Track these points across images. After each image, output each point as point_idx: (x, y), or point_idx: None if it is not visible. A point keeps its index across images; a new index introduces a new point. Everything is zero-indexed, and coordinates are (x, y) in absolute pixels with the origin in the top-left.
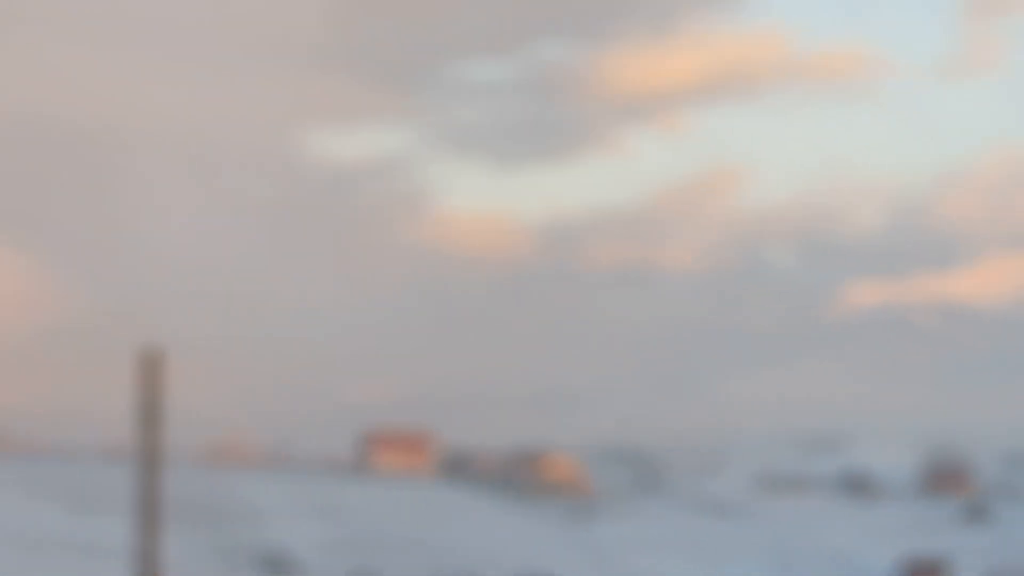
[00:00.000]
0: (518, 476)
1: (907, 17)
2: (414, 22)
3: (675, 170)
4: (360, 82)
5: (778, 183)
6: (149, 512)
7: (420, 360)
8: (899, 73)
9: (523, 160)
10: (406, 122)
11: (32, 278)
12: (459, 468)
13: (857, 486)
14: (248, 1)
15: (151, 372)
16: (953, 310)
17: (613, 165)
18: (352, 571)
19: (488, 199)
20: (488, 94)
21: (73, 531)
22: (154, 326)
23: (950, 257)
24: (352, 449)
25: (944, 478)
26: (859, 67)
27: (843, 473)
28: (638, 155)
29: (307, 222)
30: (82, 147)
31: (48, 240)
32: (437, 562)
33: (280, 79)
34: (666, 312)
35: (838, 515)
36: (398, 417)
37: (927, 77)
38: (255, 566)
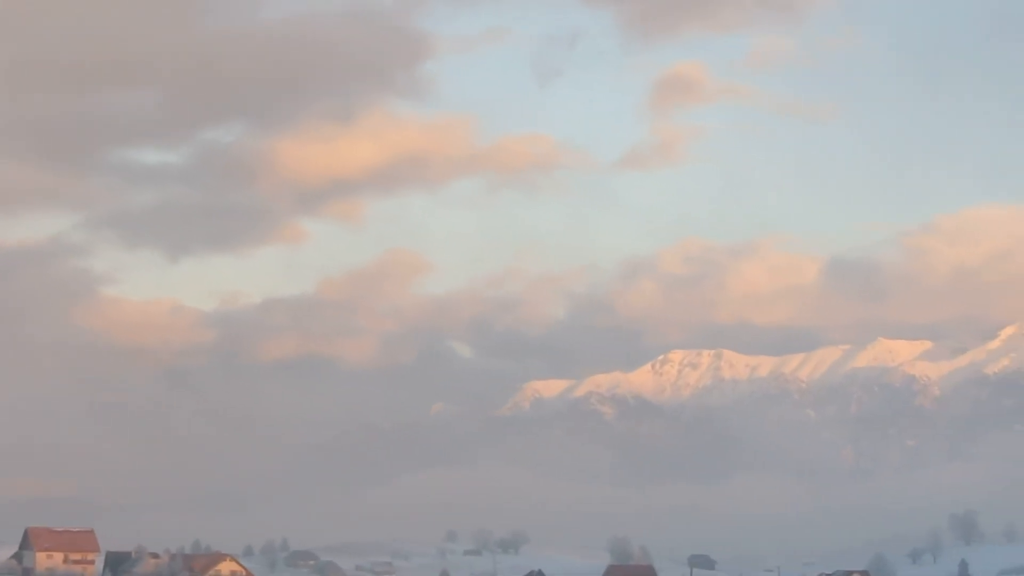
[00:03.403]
0: None
1: (595, 110)
2: (83, 104)
3: (353, 259)
4: (26, 164)
5: (459, 273)
6: None
7: (84, 456)
8: (585, 164)
9: (194, 247)
10: (73, 206)
11: None
12: (122, 569)
13: None
14: None
15: None
16: (636, 406)
17: (289, 253)
18: None
19: (158, 287)
20: (160, 179)
21: None
22: None
23: (633, 352)
24: (13, 547)
25: None
26: (544, 158)
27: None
28: (315, 243)
29: None
30: None
31: None
32: None
33: None
34: (341, 407)
35: None
36: (62, 514)
37: (613, 168)
38: None
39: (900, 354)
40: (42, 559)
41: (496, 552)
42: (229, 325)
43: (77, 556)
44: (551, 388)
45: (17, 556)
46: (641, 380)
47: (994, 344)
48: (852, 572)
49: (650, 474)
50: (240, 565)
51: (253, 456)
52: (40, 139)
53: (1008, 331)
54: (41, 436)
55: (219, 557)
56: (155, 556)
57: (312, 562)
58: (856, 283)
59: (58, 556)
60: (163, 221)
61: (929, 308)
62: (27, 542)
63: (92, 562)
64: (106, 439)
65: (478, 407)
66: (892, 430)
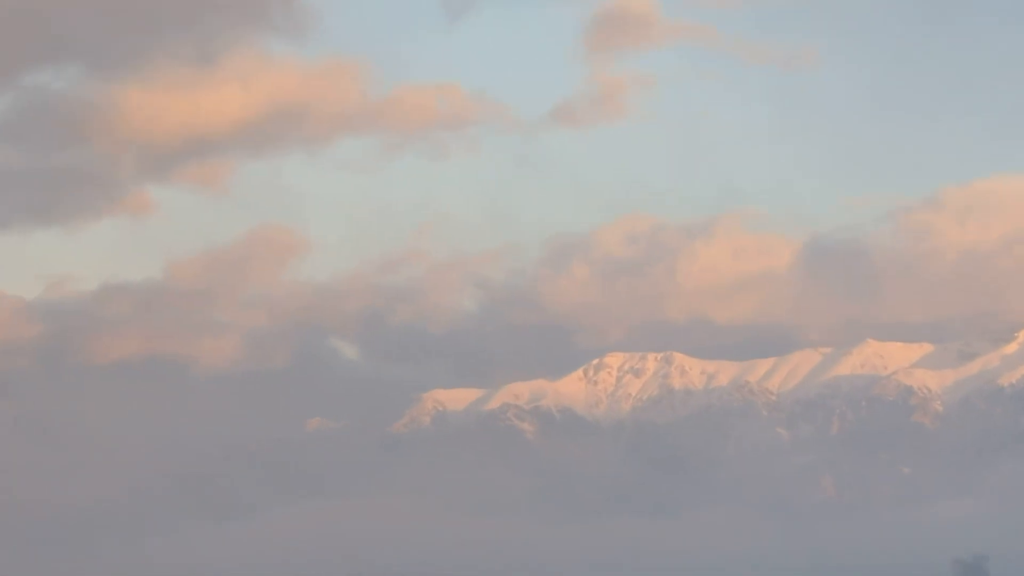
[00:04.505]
0: None
1: (516, 53)
2: None
3: (213, 236)
4: None
5: (345, 254)
6: None
7: None
8: (504, 120)
9: (13, 221)
10: None
11: None
12: None
13: None
14: None
15: None
16: (564, 422)
17: (132, 228)
18: None
19: None
20: None
21: None
22: None
23: (561, 355)
24: None
25: None
26: (453, 113)
27: None
28: (165, 216)
29: None
30: None
31: None
32: None
33: None
34: (195, 421)
35: None
36: None
37: (540, 126)
38: None
39: (894, 360)
40: None
41: None
42: (57, 317)
43: None
44: (458, 399)
45: None
46: (571, 390)
47: (1010, 348)
48: None
49: (581, 507)
50: None
51: (84, 481)
52: None
53: None
54: None
55: None
56: None
57: None
58: (841, 271)
59: None
60: None
61: (931, 303)
62: None
63: None
64: None
65: (366, 422)
66: (883, 455)
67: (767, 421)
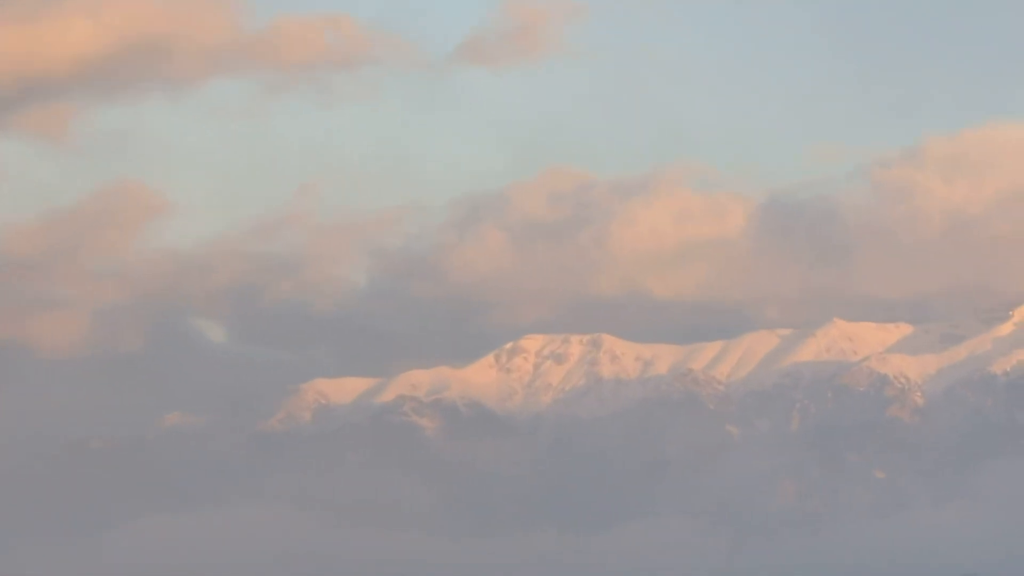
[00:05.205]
0: None
1: None
2: None
3: (54, 195)
4: None
5: (212, 217)
6: None
7: None
8: (404, 58)
9: None
10: None
11: None
12: None
13: None
14: None
15: None
16: (471, 418)
17: None
18: None
19: None
20: None
21: None
22: None
23: (468, 337)
24: None
25: None
26: (344, 49)
27: None
28: None
29: None
30: None
31: None
32: None
33: None
34: (30, 414)
35: None
36: None
37: (446, 64)
38: None
39: (866, 343)
40: None
41: None
42: None
43: None
44: (344, 390)
45: None
46: (480, 379)
47: (1004, 329)
48: None
49: (492, 519)
50: None
51: None
52: None
53: None
54: None
55: None
56: None
57: None
58: (804, 237)
59: None
60: None
61: (910, 275)
62: None
63: None
64: None
65: (235, 418)
66: (853, 456)
67: (714, 417)
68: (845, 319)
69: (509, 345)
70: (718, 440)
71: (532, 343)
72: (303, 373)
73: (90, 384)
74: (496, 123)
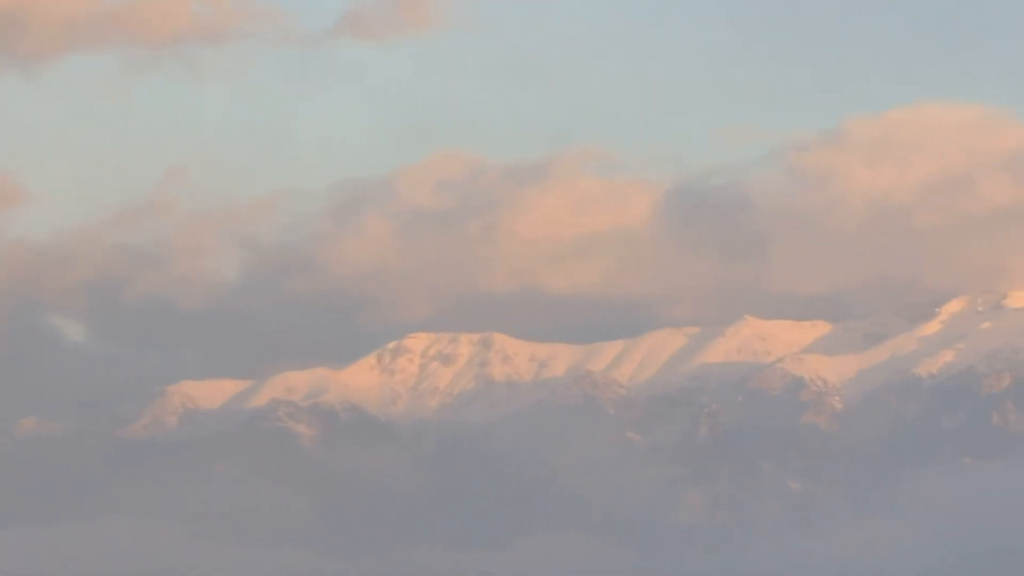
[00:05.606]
0: None
1: None
2: None
3: None
4: None
5: (68, 206)
6: None
7: None
8: (278, 31)
9: None
10: None
11: None
12: None
13: None
14: None
15: None
16: (351, 423)
17: None
18: None
19: None
20: None
21: None
22: None
23: (347, 336)
24: None
25: None
26: (212, 22)
27: None
28: None
29: None
30: None
31: None
32: None
33: None
34: None
35: None
36: None
37: (324, 38)
38: None
39: (780, 343)
40: None
41: None
42: None
43: None
44: (213, 393)
45: None
46: (360, 381)
47: (930, 328)
48: None
49: (374, 534)
50: None
51: None
52: None
53: (953, 307)
54: None
55: None
56: None
57: None
58: (713, 227)
59: None
60: None
61: (829, 269)
62: None
63: None
64: None
65: (94, 424)
66: (766, 465)
67: (615, 422)
68: (758, 317)
69: (392, 345)
70: (619, 448)
71: (417, 343)
72: (169, 375)
73: None
74: (380, 103)
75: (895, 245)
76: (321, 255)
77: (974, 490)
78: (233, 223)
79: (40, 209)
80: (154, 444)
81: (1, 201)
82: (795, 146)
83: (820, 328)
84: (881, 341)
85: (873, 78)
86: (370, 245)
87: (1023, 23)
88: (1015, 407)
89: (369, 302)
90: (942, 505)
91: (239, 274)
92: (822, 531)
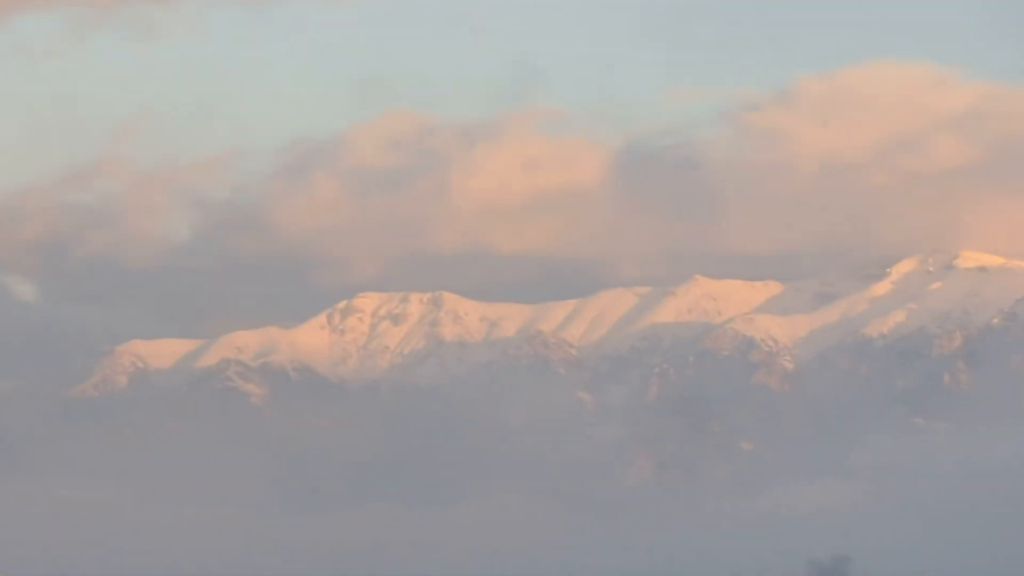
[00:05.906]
0: None
1: None
2: None
3: None
4: None
5: (19, 165)
6: None
7: None
8: None
9: None
10: None
11: None
12: None
13: None
14: None
15: None
16: (301, 383)
17: None
18: None
19: None
20: None
21: None
22: None
23: (297, 295)
24: None
25: None
26: None
27: None
28: None
29: None
30: None
31: None
32: None
33: None
34: None
35: None
36: None
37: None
38: None
39: (731, 303)
40: None
41: None
42: None
43: None
44: (162, 352)
45: None
46: (310, 341)
47: (881, 288)
48: None
49: (323, 493)
50: None
51: None
52: None
53: (904, 267)
54: None
55: None
56: None
57: None
58: (663, 187)
59: None
60: None
61: (779, 229)
62: None
63: None
64: None
65: (43, 383)
66: (716, 426)
67: (565, 382)
68: (708, 276)
69: (342, 304)
70: (569, 408)
71: (367, 302)
72: (118, 334)
73: None
74: (330, 61)
75: (846, 205)
76: (270, 214)
77: (926, 450)
78: (182, 183)
79: None
80: (104, 403)
81: None
82: (745, 106)
83: (771, 288)
84: (832, 301)
85: (823, 38)
86: (319, 204)
87: None
88: (966, 367)
89: (319, 262)
90: (893, 467)
91: (189, 233)
92: (772, 493)
